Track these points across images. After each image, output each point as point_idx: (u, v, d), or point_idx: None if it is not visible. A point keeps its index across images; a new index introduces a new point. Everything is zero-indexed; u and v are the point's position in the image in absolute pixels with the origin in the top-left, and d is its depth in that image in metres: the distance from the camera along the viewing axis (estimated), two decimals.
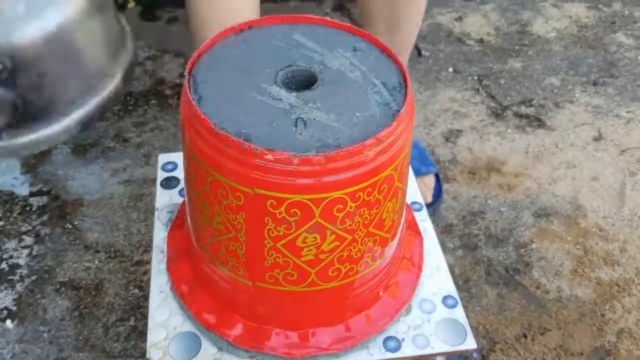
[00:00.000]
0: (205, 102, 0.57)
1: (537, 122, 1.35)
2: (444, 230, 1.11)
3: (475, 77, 1.46)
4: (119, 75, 1.00)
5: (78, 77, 0.95)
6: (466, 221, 1.13)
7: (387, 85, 0.60)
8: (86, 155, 1.23)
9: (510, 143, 1.30)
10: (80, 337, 0.94)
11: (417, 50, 1.53)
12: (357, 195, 0.55)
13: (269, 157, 0.51)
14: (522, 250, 1.08)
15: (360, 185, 0.54)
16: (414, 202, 0.83)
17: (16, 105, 0.88)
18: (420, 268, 0.73)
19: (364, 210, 0.56)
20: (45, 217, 1.11)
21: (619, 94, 1.43)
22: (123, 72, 1.01)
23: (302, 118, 0.55)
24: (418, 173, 1.10)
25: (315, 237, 0.56)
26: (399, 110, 0.57)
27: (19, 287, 1.00)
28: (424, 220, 0.80)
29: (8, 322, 0.95)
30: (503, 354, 0.94)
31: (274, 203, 0.54)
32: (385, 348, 0.67)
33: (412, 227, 0.78)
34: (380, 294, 0.68)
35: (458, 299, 0.72)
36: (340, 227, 0.56)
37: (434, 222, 1.02)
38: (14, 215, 1.11)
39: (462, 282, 1.03)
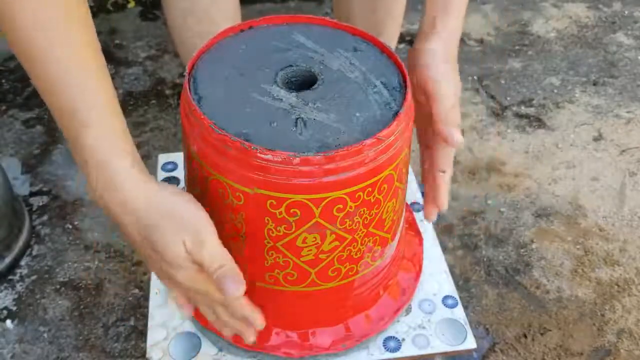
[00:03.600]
0: (205, 102, 0.57)
1: (537, 122, 1.35)
2: (444, 230, 1.11)
3: (475, 77, 1.46)
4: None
5: None
6: (466, 221, 1.13)
7: (387, 85, 0.60)
8: None
9: (510, 143, 1.30)
10: (80, 337, 0.94)
11: None
12: (357, 195, 0.55)
13: (269, 157, 0.51)
14: (522, 250, 1.08)
15: (360, 185, 0.54)
16: (414, 202, 0.83)
17: None
18: (420, 268, 0.73)
19: (363, 210, 0.56)
20: (45, 217, 1.11)
21: (619, 94, 1.43)
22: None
23: (302, 118, 0.55)
24: None
25: (315, 237, 0.56)
26: (398, 111, 0.57)
27: (19, 287, 1.00)
28: (424, 220, 0.80)
29: (8, 322, 0.95)
30: (503, 354, 0.94)
31: (274, 203, 0.54)
32: (385, 348, 0.67)
33: (412, 227, 0.78)
34: (380, 293, 0.68)
35: (458, 299, 0.72)
36: (340, 227, 0.56)
37: (434, 222, 1.02)
38: None
39: (462, 282, 1.03)
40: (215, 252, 0.54)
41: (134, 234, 0.55)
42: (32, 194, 1.15)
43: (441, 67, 0.64)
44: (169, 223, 0.53)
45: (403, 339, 0.68)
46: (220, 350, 0.66)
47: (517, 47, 1.57)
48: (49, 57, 0.50)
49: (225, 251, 0.54)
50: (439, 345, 0.67)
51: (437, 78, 0.64)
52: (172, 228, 0.53)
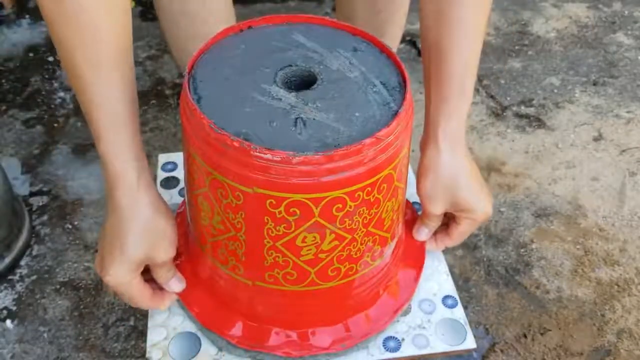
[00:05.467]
0: (205, 102, 0.57)
1: (537, 122, 1.35)
2: None
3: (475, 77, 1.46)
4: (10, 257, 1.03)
5: None
6: None
7: (386, 85, 0.60)
8: (86, 155, 1.23)
9: (510, 143, 1.30)
10: (80, 337, 0.94)
11: (417, 50, 1.53)
12: (356, 195, 0.55)
13: (269, 156, 0.51)
14: (522, 250, 1.08)
15: (360, 185, 0.54)
16: (414, 202, 0.83)
17: None
18: (420, 268, 0.73)
19: (363, 210, 0.56)
20: (45, 217, 1.11)
21: (619, 94, 1.43)
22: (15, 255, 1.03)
23: (301, 118, 0.55)
24: None
25: (314, 237, 0.56)
26: (398, 110, 0.57)
27: (19, 287, 1.00)
28: None
29: (8, 322, 0.95)
30: (503, 353, 0.94)
31: (274, 202, 0.54)
32: (385, 348, 0.67)
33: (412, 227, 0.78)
34: (380, 293, 0.68)
35: (458, 299, 0.72)
36: (339, 227, 0.56)
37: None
38: None
39: (462, 282, 1.03)
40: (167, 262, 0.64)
41: (110, 215, 0.61)
42: (32, 194, 1.15)
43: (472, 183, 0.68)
44: (139, 225, 0.61)
45: (403, 339, 0.68)
46: (220, 350, 0.66)
47: (517, 47, 1.57)
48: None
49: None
50: (439, 345, 0.67)
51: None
52: (138, 231, 0.61)
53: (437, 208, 0.68)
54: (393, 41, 1.05)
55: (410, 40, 1.55)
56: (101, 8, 0.56)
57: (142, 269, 0.63)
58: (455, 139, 0.67)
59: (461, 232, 0.71)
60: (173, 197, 0.81)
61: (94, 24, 0.56)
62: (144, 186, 0.61)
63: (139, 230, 0.60)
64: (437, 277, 0.74)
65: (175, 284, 0.67)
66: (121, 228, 0.60)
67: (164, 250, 0.63)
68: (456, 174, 0.67)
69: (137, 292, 0.64)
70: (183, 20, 0.89)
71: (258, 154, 0.51)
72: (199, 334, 0.68)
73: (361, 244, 0.59)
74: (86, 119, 0.60)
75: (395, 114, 0.57)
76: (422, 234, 0.73)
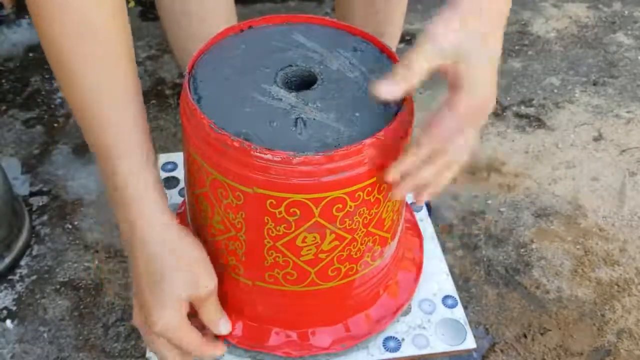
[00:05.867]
0: (205, 102, 0.57)
1: (537, 122, 1.35)
2: (444, 230, 1.11)
3: None
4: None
5: None
6: (466, 221, 1.13)
7: None
8: (86, 155, 1.23)
9: (510, 143, 1.30)
10: (80, 337, 0.94)
11: None
12: (356, 195, 0.55)
13: (269, 156, 0.51)
14: (522, 250, 1.08)
15: (360, 185, 0.54)
16: (414, 202, 0.83)
17: None
18: (420, 268, 0.73)
19: (363, 210, 0.56)
20: (45, 217, 1.11)
21: (619, 94, 1.43)
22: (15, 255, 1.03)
23: (301, 118, 0.55)
24: None
25: (314, 237, 0.56)
26: (398, 110, 0.57)
27: (19, 287, 1.00)
28: (423, 220, 0.80)
29: (8, 322, 0.95)
30: (503, 353, 0.94)
31: (274, 202, 0.54)
32: (385, 348, 0.67)
33: (412, 227, 0.78)
34: (380, 293, 0.68)
35: (458, 299, 0.72)
36: (339, 227, 0.56)
37: (434, 222, 1.02)
38: None
39: (462, 282, 1.03)
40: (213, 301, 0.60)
41: (138, 259, 0.57)
42: (32, 194, 1.15)
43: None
44: (173, 258, 0.56)
45: (403, 339, 0.68)
46: None
47: (517, 47, 1.57)
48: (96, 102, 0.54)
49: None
50: (439, 345, 0.67)
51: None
52: (174, 264, 0.56)
53: (433, 51, 0.54)
54: (391, 41, 1.05)
55: (410, 40, 1.55)
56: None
57: (188, 308, 0.57)
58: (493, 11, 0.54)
59: (442, 130, 0.55)
60: (173, 197, 0.81)
61: (89, 21, 0.52)
62: (170, 216, 0.57)
63: (176, 265, 0.56)
64: (437, 277, 0.74)
65: (225, 326, 0.61)
66: (156, 267, 0.55)
67: (206, 278, 0.58)
68: (474, 38, 0.54)
69: (189, 334, 0.57)
70: (184, 19, 0.89)
71: (258, 154, 0.51)
72: None
73: (361, 244, 0.59)
74: (93, 146, 0.56)
75: (396, 114, 0.56)
76: (391, 84, 0.53)
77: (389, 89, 0.53)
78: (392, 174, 0.54)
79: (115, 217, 0.58)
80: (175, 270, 0.56)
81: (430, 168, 0.56)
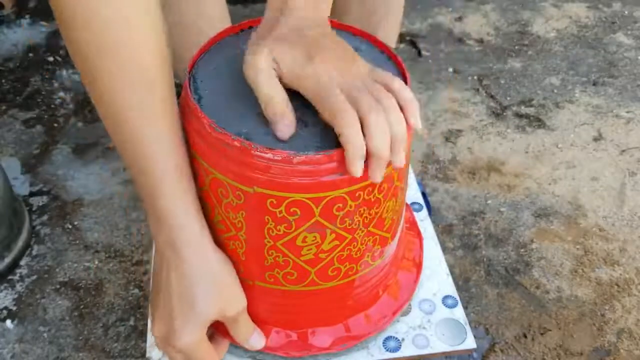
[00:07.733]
0: (205, 101, 0.57)
1: (537, 122, 1.35)
2: (444, 230, 1.11)
3: (475, 77, 1.46)
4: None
5: None
6: (466, 221, 1.13)
7: None
8: (86, 155, 1.23)
9: (510, 143, 1.30)
10: (80, 337, 0.94)
11: (417, 50, 1.53)
12: (356, 195, 0.55)
13: (269, 156, 0.51)
14: (522, 250, 1.08)
15: (360, 185, 0.54)
16: (414, 202, 0.83)
17: None
18: (420, 268, 0.73)
19: (363, 210, 0.56)
20: (45, 217, 1.11)
21: (619, 94, 1.43)
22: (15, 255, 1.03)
23: (302, 117, 0.55)
24: None
25: (315, 237, 0.56)
26: None
27: (19, 287, 1.00)
28: (423, 220, 0.80)
29: (8, 322, 0.95)
30: (503, 353, 0.94)
31: (274, 202, 0.54)
32: (385, 348, 0.67)
33: (412, 227, 0.78)
34: (380, 293, 0.68)
35: (458, 299, 0.72)
36: (340, 227, 0.56)
37: (434, 222, 1.02)
38: None
39: (462, 282, 1.03)
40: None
41: (172, 278, 0.58)
42: (32, 194, 1.15)
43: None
44: (209, 283, 0.58)
45: (403, 339, 0.68)
46: None
47: (517, 47, 1.57)
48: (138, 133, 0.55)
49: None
50: (439, 346, 0.67)
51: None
52: (209, 288, 0.58)
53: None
54: (388, 43, 1.04)
55: (410, 40, 1.56)
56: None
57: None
58: None
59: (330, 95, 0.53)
60: None
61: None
62: (208, 238, 0.58)
63: (211, 289, 0.57)
64: (437, 277, 0.74)
65: (257, 340, 0.63)
66: (192, 290, 0.57)
67: (236, 301, 0.60)
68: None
69: (208, 353, 0.59)
70: (179, 31, 0.89)
71: (259, 153, 0.51)
72: None
73: (361, 244, 0.59)
74: (136, 174, 0.56)
75: None
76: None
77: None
78: (357, 166, 0.51)
79: (151, 231, 0.59)
80: (209, 295, 0.57)
81: (372, 128, 0.51)
